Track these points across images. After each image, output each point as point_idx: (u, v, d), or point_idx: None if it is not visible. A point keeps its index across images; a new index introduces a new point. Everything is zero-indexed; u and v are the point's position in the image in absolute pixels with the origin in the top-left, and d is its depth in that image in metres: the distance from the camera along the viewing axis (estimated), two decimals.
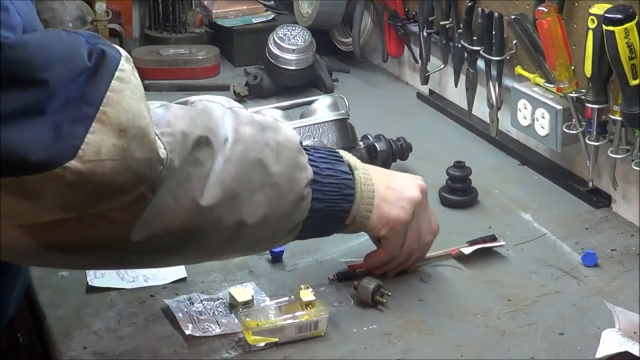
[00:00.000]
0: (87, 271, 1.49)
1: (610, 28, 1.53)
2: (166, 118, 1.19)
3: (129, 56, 1.15)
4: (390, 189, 1.43)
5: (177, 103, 1.27)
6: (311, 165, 1.33)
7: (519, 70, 1.89)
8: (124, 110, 1.09)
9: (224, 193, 1.22)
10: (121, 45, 2.48)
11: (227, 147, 1.24)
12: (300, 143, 1.34)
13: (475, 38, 1.98)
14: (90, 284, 1.48)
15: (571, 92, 1.72)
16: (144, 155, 1.12)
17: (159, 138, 1.15)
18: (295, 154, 1.31)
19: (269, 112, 1.85)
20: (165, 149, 1.15)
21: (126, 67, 1.12)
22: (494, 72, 1.95)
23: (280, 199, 1.29)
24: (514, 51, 1.91)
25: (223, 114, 1.26)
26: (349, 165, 1.39)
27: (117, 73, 1.10)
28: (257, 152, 1.27)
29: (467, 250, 1.57)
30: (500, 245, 1.60)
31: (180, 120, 1.19)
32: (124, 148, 1.09)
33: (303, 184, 1.31)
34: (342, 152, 1.42)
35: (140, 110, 1.12)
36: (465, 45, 2.01)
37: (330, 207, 1.36)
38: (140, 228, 1.16)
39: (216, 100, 1.29)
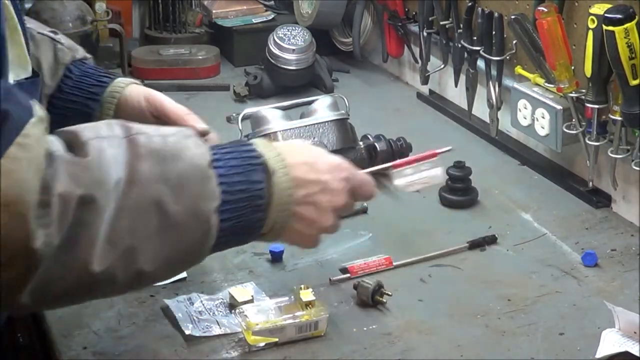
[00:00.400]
0: None
1: (610, 28, 1.53)
2: (46, 179, 1.08)
3: (44, 117, 1.09)
4: (312, 202, 1.31)
5: (66, 140, 1.15)
6: (221, 183, 1.22)
7: (519, 70, 1.89)
8: (13, 183, 1.04)
9: (117, 251, 1.14)
10: (121, 46, 2.50)
11: (120, 190, 1.14)
12: (211, 160, 1.22)
13: (475, 38, 1.98)
14: None
15: (571, 92, 1.72)
16: (19, 235, 1.05)
17: (37, 214, 1.07)
18: (201, 183, 1.20)
19: (269, 112, 1.85)
20: (43, 227, 1.07)
21: (32, 133, 1.06)
22: (494, 72, 1.95)
23: (183, 238, 1.19)
24: (514, 51, 1.91)
25: (116, 152, 1.16)
26: (267, 170, 1.28)
27: (18, 139, 1.04)
28: (155, 193, 1.16)
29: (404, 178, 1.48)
30: (448, 150, 1.52)
31: (60, 183, 1.09)
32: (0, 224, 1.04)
33: (209, 215, 1.20)
34: (262, 149, 1.29)
35: (30, 186, 1.05)
36: (465, 45, 2.01)
37: (241, 222, 1.25)
38: (28, 295, 1.11)
39: (115, 130, 1.18)
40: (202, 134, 1.47)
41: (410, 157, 1.50)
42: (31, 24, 1.56)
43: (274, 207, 1.28)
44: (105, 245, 1.13)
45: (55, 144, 1.12)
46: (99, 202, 1.12)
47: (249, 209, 1.25)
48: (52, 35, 1.57)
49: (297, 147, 1.37)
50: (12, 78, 1.25)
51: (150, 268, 1.18)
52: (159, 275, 1.24)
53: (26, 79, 1.29)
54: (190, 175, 1.19)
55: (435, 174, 1.49)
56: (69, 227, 1.09)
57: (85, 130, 1.17)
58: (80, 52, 1.60)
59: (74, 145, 1.14)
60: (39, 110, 1.09)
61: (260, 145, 1.30)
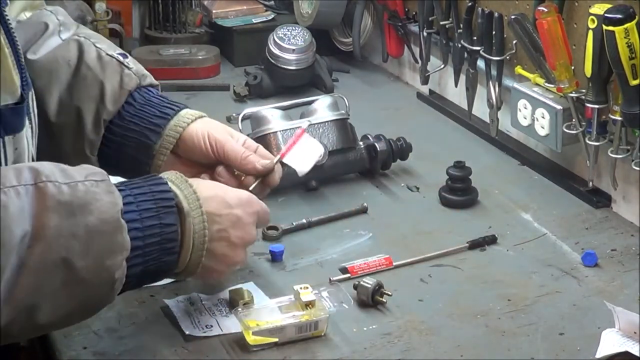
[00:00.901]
0: None
1: (610, 28, 1.53)
2: None
3: None
4: (224, 237, 1.32)
5: None
6: (133, 228, 1.21)
7: (519, 70, 1.89)
8: None
9: (14, 311, 1.12)
10: (121, 46, 2.50)
11: (25, 246, 1.11)
12: (122, 209, 1.20)
13: (475, 38, 1.98)
14: None
15: (571, 92, 1.72)
16: None
17: None
18: (110, 237, 1.18)
19: (269, 112, 1.85)
20: None
21: None
22: (494, 72, 1.95)
23: (87, 292, 1.17)
24: (514, 51, 1.91)
25: (22, 203, 1.12)
26: (181, 211, 1.27)
27: None
28: (61, 250, 1.13)
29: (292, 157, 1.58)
30: (309, 124, 1.65)
31: None
32: None
33: (117, 268, 1.19)
34: (175, 187, 1.29)
35: None
36: (465, 45, 2.01)
37: (152, 266, 1.25)
38: None
39: (23, 176, 1.15)
40: (264, 174, 1.49)
41: (288, 143, 1.60)
42: (102, 44, 1.54)
43: (188, 248, 1.28)
44: (4, 306, 1.11)
45: None
46: None
47: (160, 253, 1.25)
48: (121, 58, 1.54)
49: (208, 181, 1.39)
50: None
51: (49, 322, 1.17)
52: (58, 326, 1.24)
53: (15, 104, 1.24)
54: (99, 230, 1.17)
55: (315, 144, 1.62)
56: None
57: None
58: (148, 79, 1.55)
59: None
60: None
61: (173, 181, 1.30)
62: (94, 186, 1.19)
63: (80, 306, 1.19)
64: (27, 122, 1.29)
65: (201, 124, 1.52)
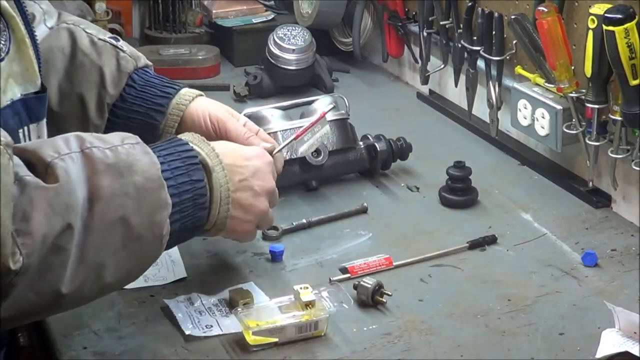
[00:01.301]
0: None
1: (610, 28, 1.53)
2: (22, 207, 1.10)
3: (9, 143, 1.10)
4: (247, 186, 1.39)
5: (29, 161, 1.16)
6: (170, 187, 1.27)
7: (519, 70, 1.89)
8: None
9: (86, 270, 1.17)
10: None
11: (86, 209, 1.16)
12: (160, 168, 1.26)
13: (475, 38, 1.98)
14: None
15: (571, 92, 1.72)
16: None
17: (15, 242, 1.09)
18: (156, 193, 1.24)
19: (269, 112, 1.85)
20: (21, 254, 1.10)
21: None
22: (494, 72, 1.95)
23: (142, 248, 1.23)
24: (514, 51, 1.91)
25: (78, 168, 1.17)
26: (206, 168, 1.34)
27: None
28: (118, 209, 1.19)
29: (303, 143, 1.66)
30: (332, 108, 1.73)
31: (38, 212, 1.11)
32: None
33: (164, 224, 1.25)
34: (196, 146, 1.35)
35: (4, 213, 1.07)
36: (465, 45, 2.01)
37: (187, 222, 1.31)
38: (4, 311, 1.13)
39: (71, 144, 1.19)
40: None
41: (307, 125, 1.68)
42: (91, 29, 1.59)
43: (216, 202, 1.34)
44: (76, 266, 1.16)
45: (23, 169, 1.13)
46: (73, 227, 1.14)
47: (194, 208, 1.31)
48: (114, 42, 1.58)
49: (220, 141, 1.43)
50: (19, 92, 1.25)
51: (113, 280, 1.22)
52: (120, 285, 1.28)
53: (35, 93, 1.28)
54: (146, 187, 1.23)
55: (325, 131, 1.69)
56: (46, 254, 1.12)
57: (45, 148, 1.18)
58: (142, 60, 1.60)
59: (39, 167, 1.16)
60: (2, 137, 1.09)
61: (192, 141, 1.36)
62: (132, 148, 1.25)
63: (138, 262, 1.25)
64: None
65: (202, 102, 1.57)
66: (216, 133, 1.54)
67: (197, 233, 1.36)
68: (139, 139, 1.27)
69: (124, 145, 1.24)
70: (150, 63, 1.62)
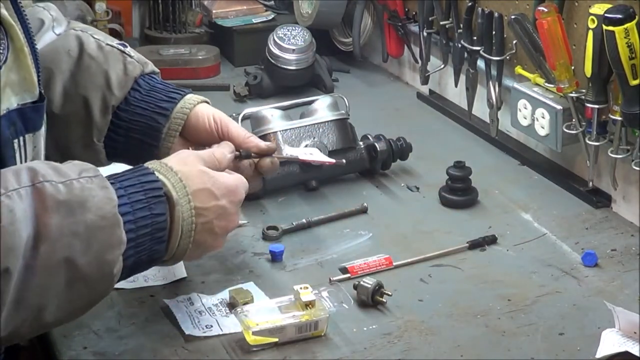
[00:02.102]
0: None
1: (610, 28, 1.53)
2: None
3: None
4: (209, 229, 1.33)
5: None
6: (127, 222, 1.22)
7: (519, 70, 1.89)
8: None
9: (25, 312, 1.13)
10: None
11: (29, 248, 1.12)
12: (117, 204, 1.21)
13: (475, 38, 1.98)
14: None
15: (571, 92, 1.72)
16: None
17: None
18: (110, 232, 1.19)
19: (269, 112, 1.85)
20: None
21: None
22: (494, 72, 1.95)
23: (88, 288, 1.19)
24: (514, 51, 1.91)
25: (25, 205, 1.12)
26: (169, 200, 1.28)
27: None
28: (64, 249, 1.14)
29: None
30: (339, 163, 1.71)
31: None
32: None
33: (116, 262, 1.20)
34: (162, 177, 1.29)
35: None
36: (465, 45, 2.01)
37: (143, 256, 1.26)
38: None
39: (22, 178, 1.14)
40: (267, 153, 1.53)
41: (316, 160, 1.74)
42: (99, 35, 1.58)
43: (177, 236, 1.29)
44: (13, 309, 1.12)
45: None
46: (11, 272, 1.11)
47: (151, 242, 1.27)
48: (121, 48, 1.57)
49: (194, 169, 1.35)
50: (16, 102, 1.24)
51: (55, 319, 1.19)
52: (64, 322, 1.25)
53: (33, 103, 1.27)
54: (98, 226, 1.18)
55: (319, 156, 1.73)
56: None
57: None
58: (149, 67, 1.59)
59: None
60: None
61: (159, 171, 1.31)
62: (89, 182, 1.20)
63: (83, 302, 1.21)
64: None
65: (205, 107, 1.56)
66: (218, 133, 1.53)
67: (153, 265, 1.32)
68: (97, 171, 1.23)
69: (79, 180, 1.19)
70: (157, 70, 1.61)
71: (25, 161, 1.26)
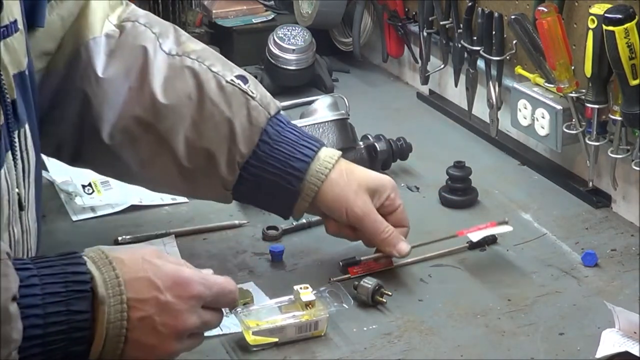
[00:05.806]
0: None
1: (610, 28, 1.53)
2: None
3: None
4: (148, 325, 1.16)
5: None
6: (33, 315, 1.09)
7: (519, 70, 1.89)
8: None
9: None
10: None
11: None
12: (13, 296, 1.06)
13: (475, 38, 1.98)
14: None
15: (571, 92, 1.72)
16: None
17: None
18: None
19: None
20: None
21: None
22: (494, 72, 1.95)
23: None
24: (514, 51, 1.91)
25: None
26: (95, 296, 1.13)
27: None
28: None
29: (475, 236, 1.55)
30: (508, 231, 1.57)
31: None
32: None
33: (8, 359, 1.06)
34: (93, 268, 1.15)
35: None
36: (465, 45, 2.01)
37: (58, 354, 1.12)
38: None
39: None
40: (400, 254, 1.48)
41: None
42: (217, 65, 1.48)
43: (101, 338, 1.14)
44: None
45: None
46: None
47: (68, 342, 1.12)
48: (243, 86, 1.45)
49: (135, 256, 1.18)
50: None
51: None
52: None
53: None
54: None
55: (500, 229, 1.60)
56: None
57: None
58: (273, 107, 1.47)
59: None
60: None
61: (95, 262, 1.16)
62: None
63: None
64: (5, 161, 1.20)
65: (343, 179, 1.45)
66: (352, 225, 1.48)
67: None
68: (7, 253, 1.07)
69: None
70: (280, 106, 1.48)
71: None
